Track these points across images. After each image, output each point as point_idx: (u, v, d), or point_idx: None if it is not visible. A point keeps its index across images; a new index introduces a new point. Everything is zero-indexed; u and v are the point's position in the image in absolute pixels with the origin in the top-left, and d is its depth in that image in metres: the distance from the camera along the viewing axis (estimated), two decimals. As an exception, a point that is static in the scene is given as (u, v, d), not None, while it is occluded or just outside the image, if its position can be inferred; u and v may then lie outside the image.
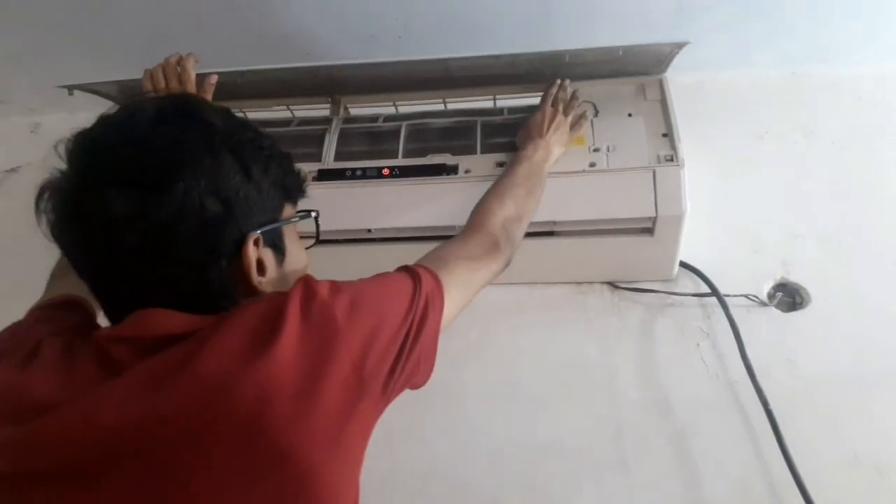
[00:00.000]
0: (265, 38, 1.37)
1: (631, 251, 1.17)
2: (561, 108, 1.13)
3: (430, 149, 1.19)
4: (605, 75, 1.20)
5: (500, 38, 1.35)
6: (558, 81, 1.18)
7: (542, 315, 1.25)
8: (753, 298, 1.20)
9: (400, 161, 1.19)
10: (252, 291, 0.66)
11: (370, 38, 1.36)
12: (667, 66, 1.18)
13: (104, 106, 1.28)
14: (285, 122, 1.28)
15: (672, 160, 1.10)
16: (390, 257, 1.20)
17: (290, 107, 1.30)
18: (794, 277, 1.23)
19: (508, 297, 1.26)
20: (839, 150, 1.36)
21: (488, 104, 1.27)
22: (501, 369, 1.22)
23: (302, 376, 0.59)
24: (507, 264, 0.92)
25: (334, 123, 1.25)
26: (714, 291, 1.19)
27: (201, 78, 1.07)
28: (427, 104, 1.29)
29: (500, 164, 1.13)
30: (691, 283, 1.24)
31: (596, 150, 1.13)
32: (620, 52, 1.13)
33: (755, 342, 1.15)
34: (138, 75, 1.07)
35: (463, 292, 0.81)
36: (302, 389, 0.59)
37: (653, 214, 1.08)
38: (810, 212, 1.29)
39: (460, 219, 1.13)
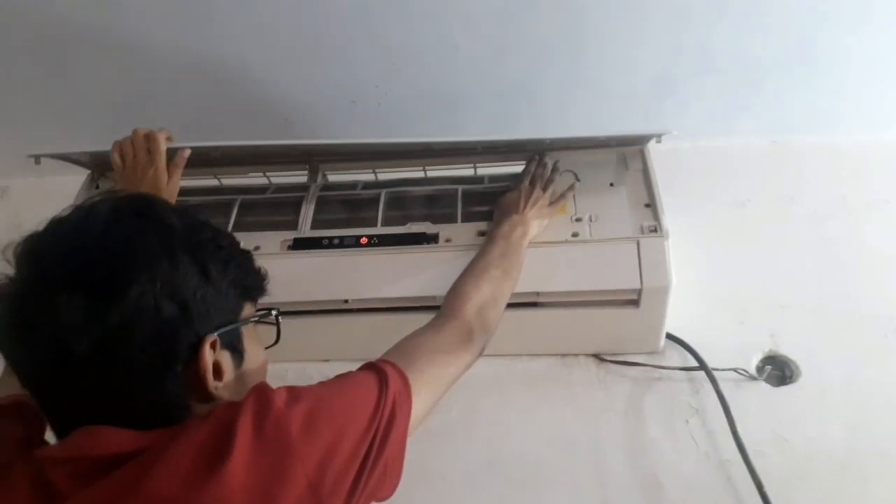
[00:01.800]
0: (243, 103, 1.36)
1: (616, 323, 1.14)
2: (539, 184, 1.12)
3: (410, 217, 1.17)
4: (587, 147, 1.19)
5: (480, 107, 1.35)
6: (537, 158, 1.17)
7: (527, 390, 1.20)
8: (742, 372, 1.17)
9: (379, 229, 1.16)
10: (208, 397, 0.62)
11: (350, 104, 1.35)
12: (648, 140, 1.17)
13: (73, 171, 1.25)
14: (261, 189, 1.25)
15: (656, 231, 1.08)
16: (367, 328, 1.17)
17: (267, 173, 1.28)
18: (783, 350, 1.20)
19: (491, 370, 1.22)
20: (821, 220, 1.35)
21: (469, 172, 1.26)
22: (484, 448, 1.16)
23: (253, 500, 0.55)
24: (480, 354, 0.90)
25: (311, 190, 1.23)
26: (702, 365, 1.15)
27: (173, 151, 1.04)
28: (407, 171, 1.27)
29: (482, 234, 1.11)
30: (678, 356, 1.20)
31: (578, 219, 1.12)
32: (601, 139, 1.13)
33: (746, 418, 1.11)
34: (109, 146, 1.04)
35: (433, 391, 0.78)
36: None
37: (638, 286, 1.06)
38: (795, 282, 1.27)
39: (440, 289, 1.10)
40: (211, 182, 1.27)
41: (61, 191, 1.24)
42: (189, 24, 1.21)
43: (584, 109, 1.36)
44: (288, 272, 1.13)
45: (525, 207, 1.08)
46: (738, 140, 1.46)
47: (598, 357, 1.22)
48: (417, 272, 1.12)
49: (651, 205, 1.11)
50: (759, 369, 1.19)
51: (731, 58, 1.27)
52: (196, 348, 0.61)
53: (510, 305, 1.11)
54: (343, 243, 1.15)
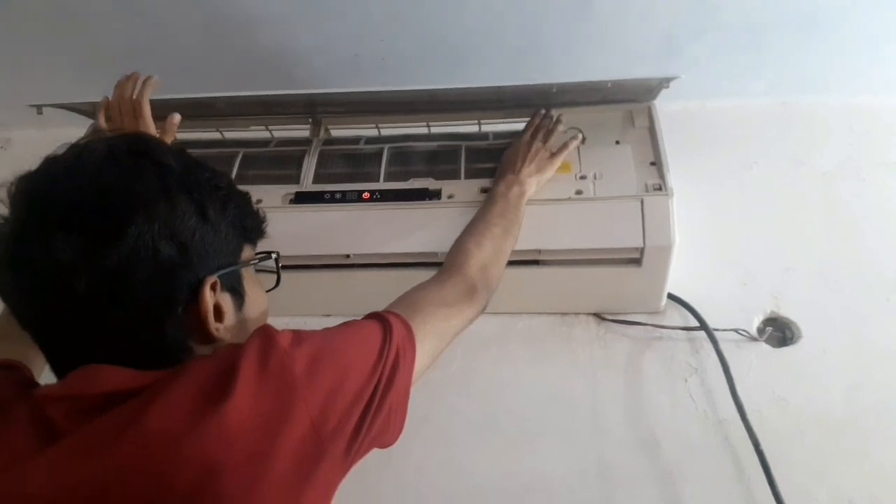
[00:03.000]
0: (247, 57, 1.33)
1: (618, 282, 1.13)
2: (541, 136, 1.10)
3: (413, 173, 1.16)
4: (593, 103, 1.18)
5: (485, 63, 1.32)
6: (542, 111, 1.15)
7: (526, 347, 1.21)
8: (743, 333, 1.17)
9: (381, 185, 1.15)
10: (209, 339, 0.62)
11: (354, 57, 1.33)
12: (656, 94, 1.15)
13: (76, 123, 1.24)
14: (263, 143, 1.24)
15: (660, 189, 1.07)
16: (368, 284, 1.17)
17: (269, 127, 1.27)
18: (785, 312, 1.19)
19: (491, 328, 1.22)
20: (829, 182, 1.33)
21: (473, 128, 1.24)
22: (483, 403, 1.17)
23: (255, 438, 0.55)
24: (482, 310, 0.90)
25: (314, 145, 1.22)
26: (703, 325, 1.15)
27: (163, 109, 1.01)
28: (410, 127, 1.25)
29: (484, 191, 1.10)
30: (679, 317, 1.20)
31: (582, 177, 1.10)
32: (609, 85, 1.11)
33: (745, 379, 1.11)
34: (110, 94, 1.02)
35: (436, 342, 0.77)
36: (254, 453, 0.54)
37: (640, 245, 1.05)
38: (801, 244, 1.26)
39: (442, 245, 1.10)
40: (213, 135, 1.26)
41: (63, 142, 1.24)
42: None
43: (589, 70, 1.34)
44: (290, 226, 1.13)
45: (522, 165, 1.07)
46: (748, 101, 1.43)
47: (599, 316, 1.22)
48: (419, 228, 1.11)
49: (656, 163, 1.10)
50: (760, 331, 1.18)
51: (741, 15, 1.23)
52: (196, 290, 0.60)
53: (511, 263, 1.10)
54: (345, 198, 1.14)
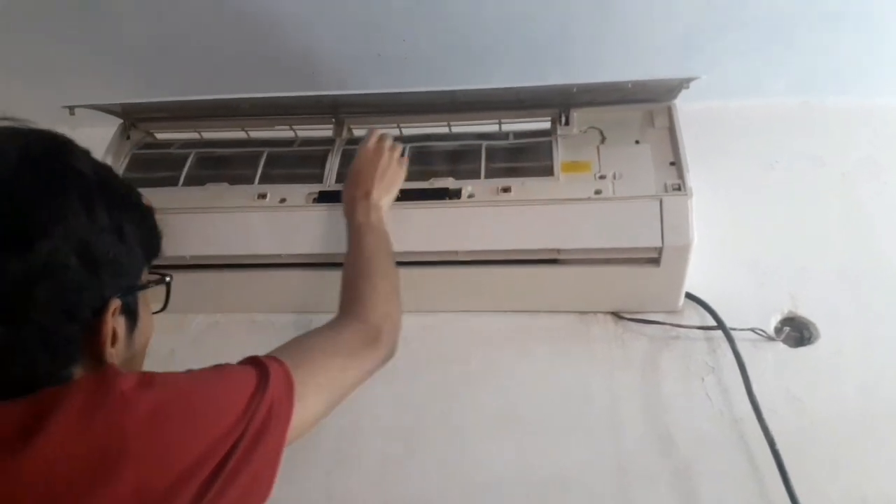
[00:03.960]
0: (270, 57, 1.36)
1: (636, 281, 1.14)
2: (388, 143, 1.08)
3: (433, 172, 1.17)
4: (613, 102, 1.18)
5: (506, 62, 1.33)
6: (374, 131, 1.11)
7: (545, 345, 1.22)
8: (760, 333, 1.17)
9: (402, 184, 1.17)
10: (98, 364, 0.57)
11: (376, 56, 1.35)
12: (676, 94, 1.16)
13: (105, 123, 1.27)
14: (288, 143, 1.27)
15: (679, 189, 1.07)
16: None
17: (294, 126, 1.29)
18: (803, 312, 1.20)
19: (510, 326, 1.24)
20: (849, 182, 1.33)
21: (494, 128, 1.26)
22: (502, 399, 1.19)
23: (58, 491, 0.49)
24: (388, 358, 0.84)
25: (337, 144, 1.24)
26: (720, 325, 1.16)
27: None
28: (431, 127, 1.27)
29: (505, 190, 1.11)
30: (697, 316, 1.21)
31: (602, 177, 1.11)
32: (629, 86, 1.11)
33: (762, 378, 1.12)
34: (141, 95, 1.05)
35: (326, 396, 0.71)
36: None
37: (659, 244, 1.06)
38: (820, 244, 1.26)
39: (462, 244, 1.12)
40: (239, 134, 1.29)
41: (93, 141, 1.27)
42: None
43: (611, 68, 1.34)
44: (313, 225, 1.15)
45: (373, 185, 1.03)
46: (768, 100, 1.43)
47: (617, 314, 1.23)
48: (439, 227, 1.12)
49: (676, 163, 1.10)
50: (778, 330, 1.19)
51: (763, 12, 1.23)
52: (99, 311, 0.56)
53: (530, 262, 1.13)
54: (367, 197, 1.15)
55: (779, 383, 1.12)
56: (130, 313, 0.61)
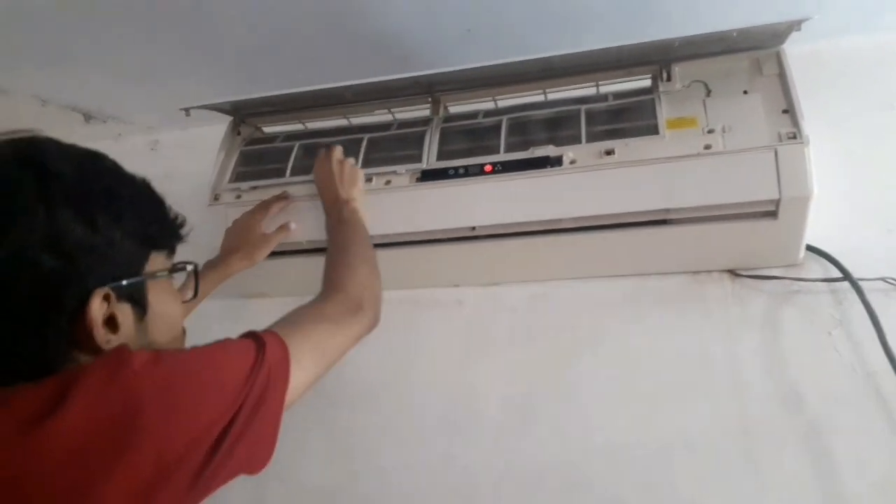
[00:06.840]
0: (363, 44, 1.39)
1: (752, 237, 1.10)
2: (334, 154, 1.15)
3: (533, 141, 1.17)
4: (716, 53, 1.14)
5: (599, 22, 1.30)
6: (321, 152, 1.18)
7: (658, 307, 1.21)
8: (891, 281, 1.11)
9: (502, 156, 1.17)
10: (97, 350, 0.61)
11: (466, 32, 1.35)
12: (784, 38, 1.10)
13: (215, 122, 1.34)
14: (386, 126, 1.30)
15: (795, 137, 1.02)
16: (495, 254, 1.21)
17: (392, 110, 1.32)
18: (937, 256, 1.13)
19: (619, 290, 1.23)
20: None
21: (591, 91, 1.24)
22: (615, 364, 1.18)
23: (81, 460, 0.54)
24: (373, 325, 0.90)
25: (434, 123, 1.26)
26: (846, 276, 1.11)
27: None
28: (527, 96, 1.27)
29: (608, 153, 1.09)
30: (819, 268, 1.16)
31: (710, 131, 1.07)
32: (734, 35, 1.07)
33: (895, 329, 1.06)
34: (244, 91, 1.10)
35: (318, 359, 0.76)
36: (79, 475, 0.53)
37: (776, 197, 1.02)
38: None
39: (566, 212, 1.11)
40: (341, 122, 1.33)
41: (205, 140, 1.35)
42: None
43: (711, 18, 1.29)
44: (417, 203, 1.18)
45: (339, 186, 1.10)
46: (883, 36, 1.33)
47: (733, 272, 1.20)
48: (543, 196, 1.12)
49: (789, 110, 1.05)
50: (911, 278, 1.12)
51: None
52: (84, 301, 0.60)
53: (638, 224, 1.11)
54: (468, 172, 1.16)
55: (916, 334, 1.06)
56: (135, 301, 0.65)
